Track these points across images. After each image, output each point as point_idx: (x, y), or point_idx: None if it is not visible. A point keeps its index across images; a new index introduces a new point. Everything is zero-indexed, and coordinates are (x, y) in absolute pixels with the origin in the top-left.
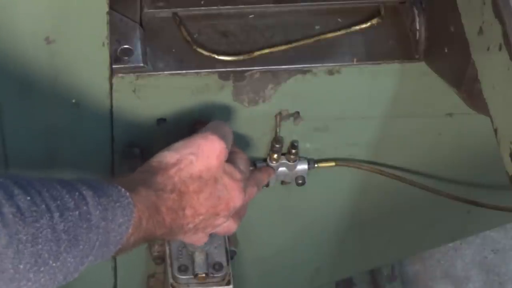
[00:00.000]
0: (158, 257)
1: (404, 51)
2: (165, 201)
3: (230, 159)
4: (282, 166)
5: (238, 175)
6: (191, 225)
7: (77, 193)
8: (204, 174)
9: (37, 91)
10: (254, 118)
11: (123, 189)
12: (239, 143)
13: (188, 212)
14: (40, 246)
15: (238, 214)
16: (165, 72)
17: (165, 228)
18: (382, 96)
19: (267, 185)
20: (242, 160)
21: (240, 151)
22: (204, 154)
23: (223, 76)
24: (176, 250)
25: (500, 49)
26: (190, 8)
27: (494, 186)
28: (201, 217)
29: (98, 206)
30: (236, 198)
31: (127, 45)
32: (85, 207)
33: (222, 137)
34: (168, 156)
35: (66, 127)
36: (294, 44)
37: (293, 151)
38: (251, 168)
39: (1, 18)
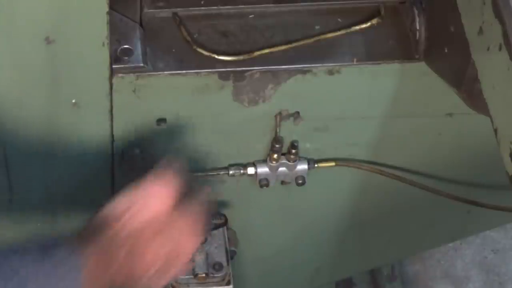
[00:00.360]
0: None
1: (404, 51)
2: (117, 255)
3: (184, 201)
4: (282, 166)
5: (191, 217)
6: (151, 272)
7: (15, 260)
8: (154, 222)
9: (37, 91)
10: (254, 118)
11: (70, 249)
12: (239, 143)
13: (144, 261)
14: None
15: None
16: (165, 72)
17: (121, 282)
18: (382, 96)
19: (267, 185)
20: (195, 200)
21: (193, 190)
22: (150, 202)
23: (223, 76)
24: None
25: (500, 49)
26: (190, 8)
27: (494, 186)
28: (159, 263)
29: (39, 272)
30: (191, 241)
31: (127, 45)
32: (23, 274)
33: (170, 181)
34: (116, 207)
35: (66, 127)
36: (294, 44)
37: (293, 151)
38: None
39: (1, 18)
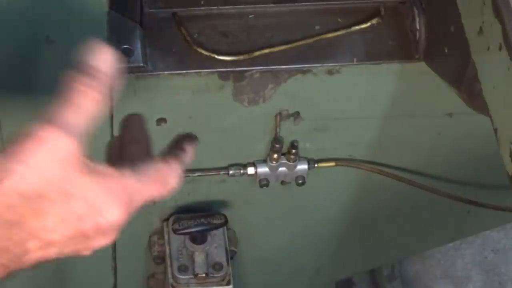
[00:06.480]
0: (158, 257)
1: (404, 51)
2: None
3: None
4: (282, 166)
5: (107, 178)
6: (42, 261)
7: None
8: (45, 189)
9: (37, 91)
10: (254, 118)
11: None
12: (239, 143)
13: (32, 245)
14: None
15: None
16: (165, 72)
17: None
18: (382, 96)
19: (267, 185)
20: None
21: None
22: (37, 161)
23: (223, 76)
24: (176, 250)
25: (500, 49)
26: (190, 8)
27: (494, 186)
28: (56, 249)
29: None
30: (109, 211)
31: (127, 45)
32: None
33: (69, 124)
34: None
35: None
36: (294, 44)
37: (293, 151)
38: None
39: (1, 18)
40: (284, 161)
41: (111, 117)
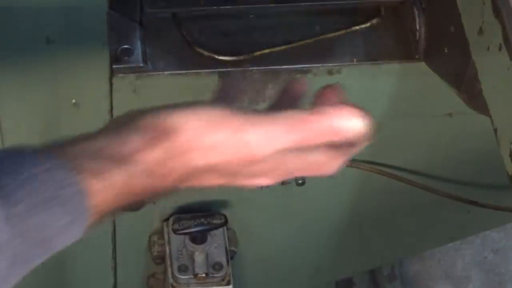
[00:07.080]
0: (158, 257)
1: (404, 51)
2: (164, 179)
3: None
4: None
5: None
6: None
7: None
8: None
9: (37, 91)
10: None
11: (71, 174)
12: None
13: (197, 185)
14: None
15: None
16: (165, 72)
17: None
18: (382, 96)
19: (267, 186)
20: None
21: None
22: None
23: (223, 76)
24: (176, 250)
25: (500, 49)
26: (190, 8)
27: (494, 186)
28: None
29: (13, 219)
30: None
31: (127, 45)
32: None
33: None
34: (184, 119)
35: (66, 127)
36: (294, 44)
37: None
38: None
39: (1, 18)
40: None
41: (111, 117)
